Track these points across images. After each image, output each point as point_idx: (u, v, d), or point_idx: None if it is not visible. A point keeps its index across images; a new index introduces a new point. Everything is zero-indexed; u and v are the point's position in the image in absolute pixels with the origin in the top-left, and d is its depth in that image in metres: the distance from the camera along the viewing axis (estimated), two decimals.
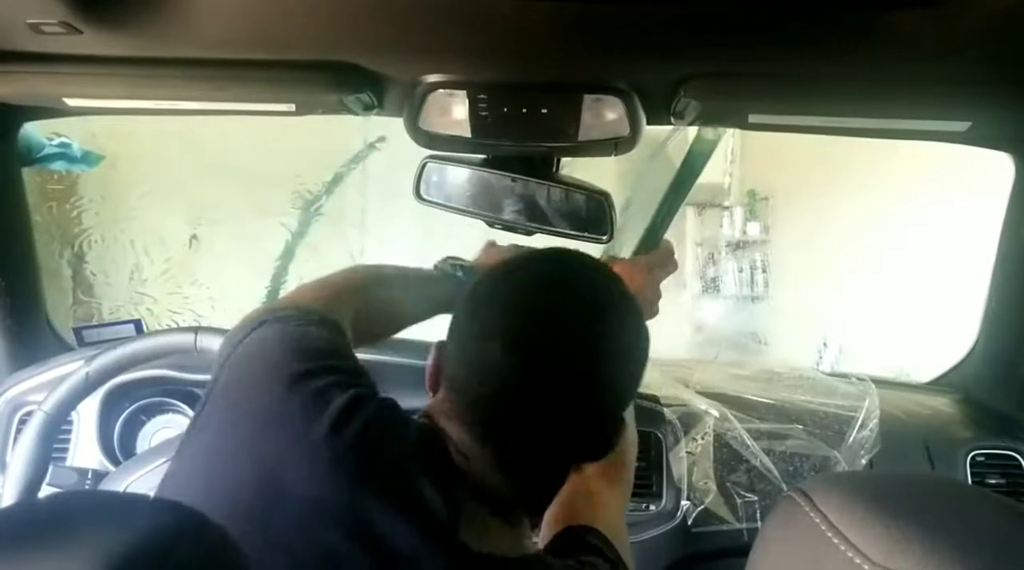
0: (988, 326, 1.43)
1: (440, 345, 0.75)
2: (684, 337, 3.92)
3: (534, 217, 1.13)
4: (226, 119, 1.16)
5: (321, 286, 0.93)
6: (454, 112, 1.03)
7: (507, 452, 0.70)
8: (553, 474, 0.76)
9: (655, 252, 1.23)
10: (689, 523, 1.23)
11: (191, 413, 1.34)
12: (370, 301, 0.97)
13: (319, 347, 0.76)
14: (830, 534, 0.43)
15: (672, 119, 1.09)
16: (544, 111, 1.01)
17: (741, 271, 4.47)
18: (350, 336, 0.87)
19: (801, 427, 1.30)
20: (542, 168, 1.12)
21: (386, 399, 0.74)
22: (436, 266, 1.14)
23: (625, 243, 1.25)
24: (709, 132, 1.14)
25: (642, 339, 0.75)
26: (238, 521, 0.63)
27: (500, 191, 1.13)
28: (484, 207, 1.14)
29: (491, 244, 1.21)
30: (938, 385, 1.52)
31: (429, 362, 0.76)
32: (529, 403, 0.68)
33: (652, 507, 1.23)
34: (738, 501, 1.25)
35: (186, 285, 2.41)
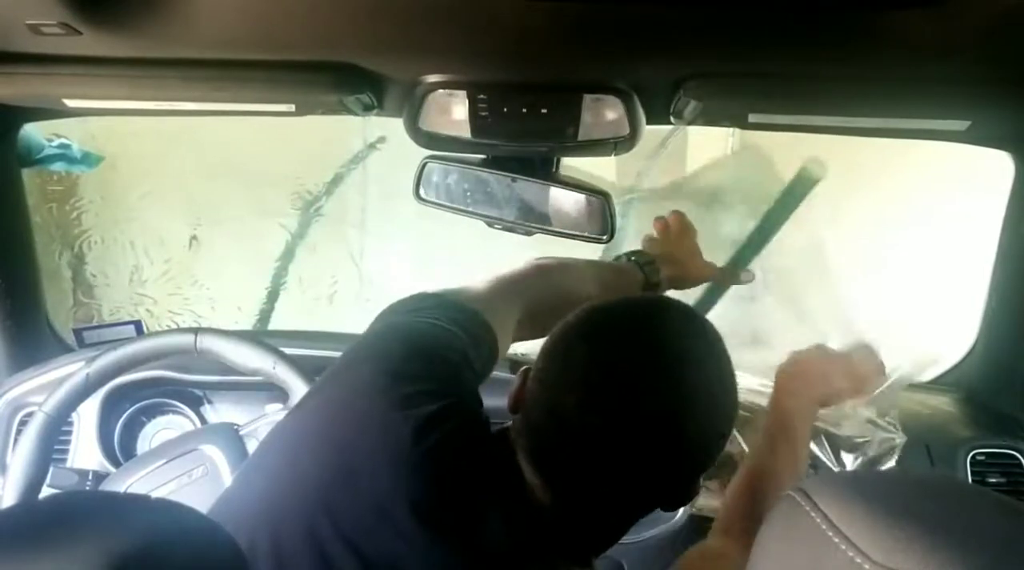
0: (988, 325, 1.42)
1: (526, 372, 0.73)
2: None
3: (534, 217, 1.13)
4: (226, 119, 1.16)
5: (495, 279, 0.93)
6: (454, 112, 1.03)
7: (573, 501, 0.69)
8: (620, 525, 0.74)
9: (728, 268, 1.24)
10: (689, 523, 1.23)
11: (191, 414, 1.34)
12: (549, 292, 0.95)
13: (436, 352, 0.76)
14: (831, 533, 0.43)
15: (672, 119, 1.09)
16: (544, 111, 1.01)
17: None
18: (513, 331, 0.88)
19: None
20: (542, 168, 1.12)
21: (477, 416, 0.73)
22: (616, 258, 1.15)
23: (624, 243, 1.25)
24: (816, 169, 1.14)
25: (728, 395, 0.71)
26: (312, 508, 0.65)
27: (500, 191, 1.13)
28: (484, 207, 1.14)
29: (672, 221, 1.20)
30: (938, 384, 1.52)
31: (513, 385, 0.74)
32: (599, 462, 0.67)
33: None
34: None
35: (186, 286, 2.40)
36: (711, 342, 0.71)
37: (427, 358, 0.75)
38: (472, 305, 0.84)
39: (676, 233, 1.20)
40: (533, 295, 0.93)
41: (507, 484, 0.69)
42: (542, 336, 0.87)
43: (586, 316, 0.72)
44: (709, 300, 1.40)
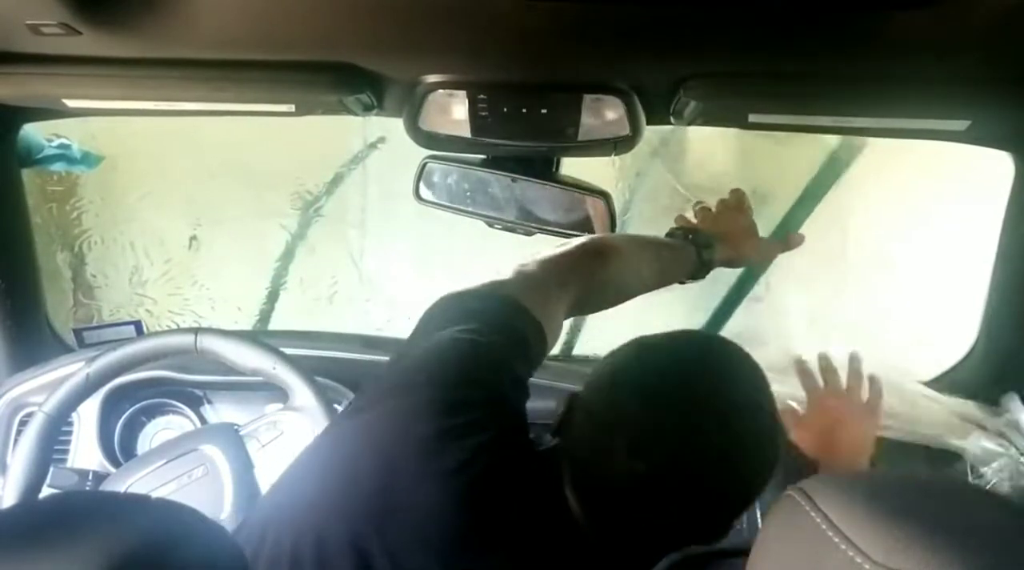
0: (988, 325, 1.42)
1: (572, 398, 0.73)
2: None
3: (534, 217, 1.13)
4: (226, 119, 1.16)
5: (546, 263, 0.91)
6: (454, 112, 1.03)
7: (610, 532, 0.70)
8: (655, 556, 0.74)
9: (784, 239, 1.22)
10: None
11: (191, 414, 1.34)
12: (602, 277, 0.94)
13: (481, 378, 0.76)
14: (831, 533, 0.43)
15: (672, 119, 1.09)
16: (544, 111, 1.01)
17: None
18: (564, 316, 0.87)
19: None
20: (542, 168, 1.12)
21: (522, 440, 0.74)
22: (671, 233, 1.12)
23: None
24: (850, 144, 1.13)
25: (773, 443, 0.70)
26: (358, 518, 0.66)
27: (500, 191, 1.13)
28: (484, 207, 1.14)
29: (704, 209, 1.19)
30: (938, 384, 1.52)
31: (559, 409, 0.74)
32: (638, 505, 0.67)
33: None
34: None
35: (186, 286, 2.40)
36: (759, 388, 0.70)
37: (473, 384, 0.75)
38: (519, 300, 0.82)
39: (733, 211, 1.18)
40: (585, 281, 0.92)
41: (551, 508, 0.70)
42: (596, 311, 0.88)
43: (634, 355, 0.72)
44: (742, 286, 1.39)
